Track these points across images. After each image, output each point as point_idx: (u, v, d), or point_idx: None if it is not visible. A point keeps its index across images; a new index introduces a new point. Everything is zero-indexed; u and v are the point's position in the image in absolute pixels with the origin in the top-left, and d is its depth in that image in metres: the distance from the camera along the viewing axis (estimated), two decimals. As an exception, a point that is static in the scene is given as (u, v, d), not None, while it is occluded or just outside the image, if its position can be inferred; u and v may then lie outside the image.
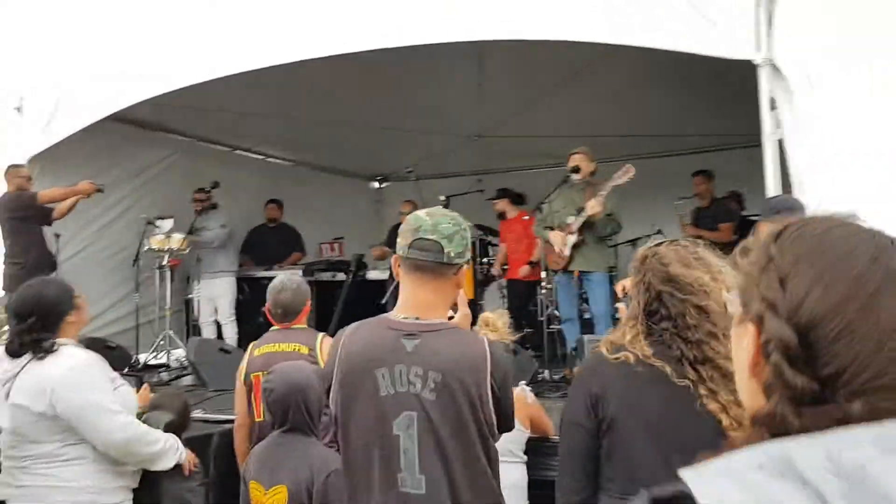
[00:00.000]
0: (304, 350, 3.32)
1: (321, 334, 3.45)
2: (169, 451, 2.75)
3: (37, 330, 2.65)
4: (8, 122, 6.37)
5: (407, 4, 5.06)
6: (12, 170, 6.12)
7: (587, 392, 1.91)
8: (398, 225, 7.46)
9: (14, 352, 2.65)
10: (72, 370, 2.61)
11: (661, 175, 8.25)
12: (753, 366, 0.81)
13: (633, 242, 7.91)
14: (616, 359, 1.88)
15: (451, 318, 2.09)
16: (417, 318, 1.95)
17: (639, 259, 1.98)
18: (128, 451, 2.65)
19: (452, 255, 1.97)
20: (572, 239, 5.65)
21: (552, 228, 5.83)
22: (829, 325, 0.76)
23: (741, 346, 0.84)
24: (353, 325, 2.06)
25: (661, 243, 1.98)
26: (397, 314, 1.99)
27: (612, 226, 5.70)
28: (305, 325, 3.53)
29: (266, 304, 3.49)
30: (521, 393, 3.47)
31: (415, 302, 1.98)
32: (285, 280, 3.50)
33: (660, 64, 4.64)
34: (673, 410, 1.80)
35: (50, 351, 2.63)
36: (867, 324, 0.75)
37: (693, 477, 0.70)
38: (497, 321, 3.58)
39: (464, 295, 2.19)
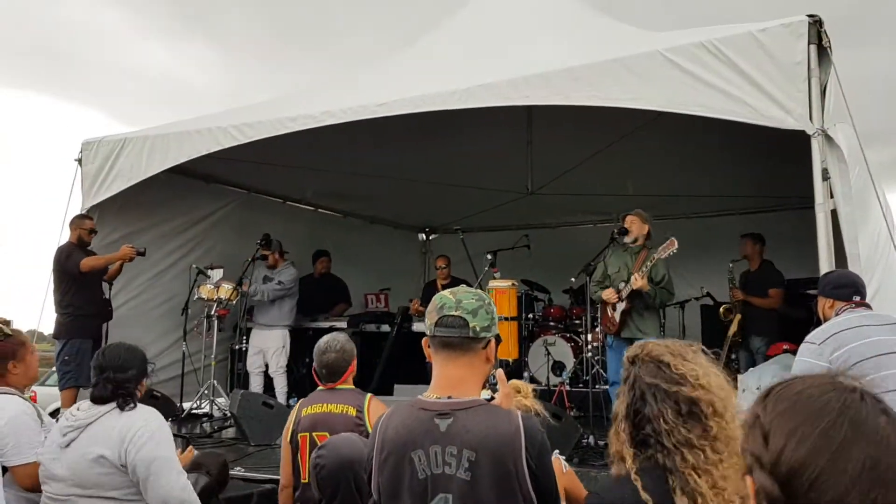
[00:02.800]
0: (353, 412, 3.32)
1: (368, 395, 3.45)
2: None
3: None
4: (69, 173, 6.61)
5: (464, 69, 5.18)
6: (77, 220, 6.35)
7: None
8: (433, 281, 7.50)
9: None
10: (148, 422, 2.67)
11: (711, 236, 8.16)
12: None
13: (682, 305, 7.78)
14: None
15: (491, 398, 2.07)
16: (450, 397, 1.95)
17: (628, 357, 1.91)
18: None
19: (478, 329, 1.98)
20: (621, 306, 5.63)
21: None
22: (804, 474, 0.87)
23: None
24: (389, 410, 2.07)
25: (648, 343, 1.91)
26: (430, 395, 1.99)
27: (662, 296, 5.64)
28: (352, 385, 3.53)
29: (313, 365, 3.52)
30: (557, 461, 3.39)
31: (446, 381, 1.99)
32: (330, 341, 3.51)
33: (712, 127, 4.62)
34: None
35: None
36: (836, 472, 0.85)
37: None
38: (527, 388, 3.54)
39: (502, 374, 2.17)
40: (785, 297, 6.64)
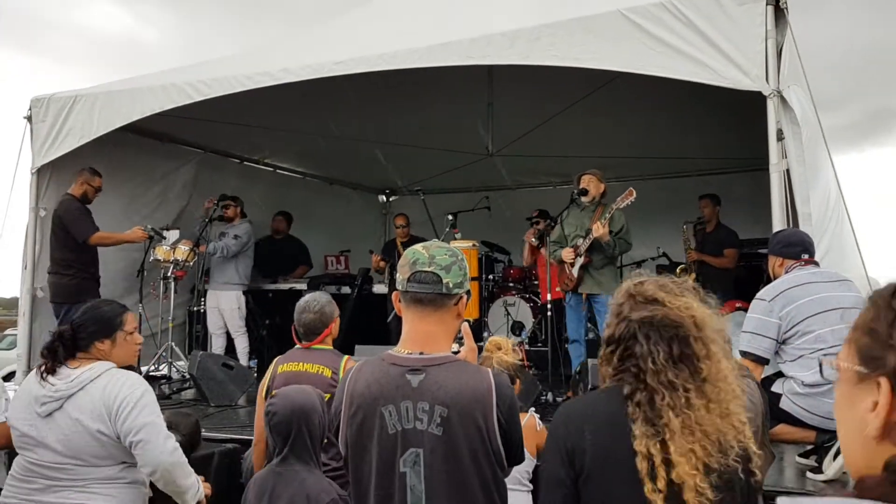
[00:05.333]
0: (328, 372, 3.34)
1: (345, 357, 3.46)
2: (195, 487, 2.75)
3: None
4: (19, 131, 6.42)
5: (423, 29, 5.11)
6: (86, 175, 6.18)
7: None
8: (393, 240, 7.52)
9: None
10: (133, 389, 2.65)
11: (667, 197, 8.28)
12: (885, 427, 0.77)
13: (639, 264, 7.90)
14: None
15: (457, 352, 2.09)
16: (422, 353, 1.96)
17: (623, 293, 1.85)
18: (170, 478, 2.65)
19: (451, 285, 1.99)
20: (580, 261, 5.72)
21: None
22: None
23: (858, 407, 0.80)
24: (359, 363, 2.08)
25: (644, 280, 1.86)
26: (401, 349, 2.00)
27: (621, 245, 5.75)
28: (330, 346, 3.54)
29: (293, 323, 3.53)
30: (531, 420, 3.46)
31: (417, 335, 2.00)
32: (310, 300, 3.53)
33: (669, 88, 4.67)
34: None
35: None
36: None
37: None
38: (507, 343, 3.59)
39: (468, 328, 2.19)
40: (739, 257, 6.80)
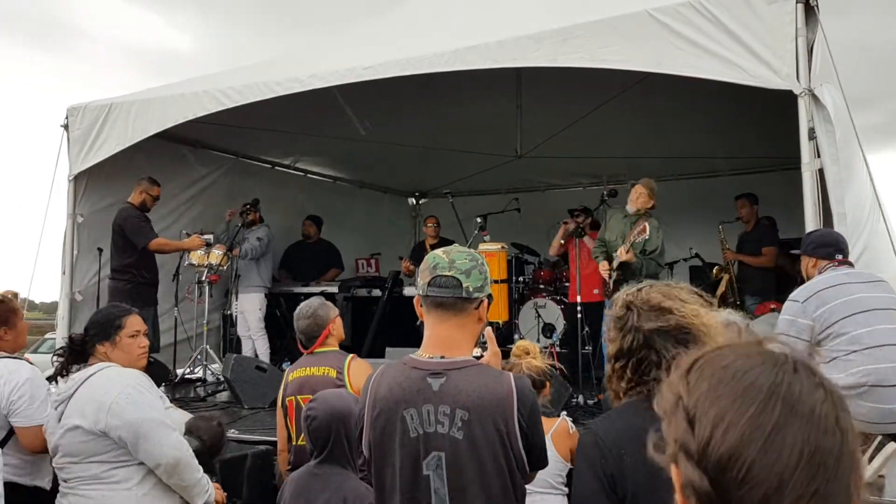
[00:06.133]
0: (333, 373, 3.40)
1: (349, 356, 3.52)
2: (202, 484, 2.77)
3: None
4: (55, 139, 6.56)
5: (451, 33, 5.13)
6: (145, 184, 6.37)
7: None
8: (423, 242, 7.58)
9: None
10: (126, 387, 2.66)
11: (698, 197, 8.20)
12: None
13: (671, 266, 7.84)
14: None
15: (480, 356, 2.10)
16: (442, 357, 1.96)
17: (622, 304, 1.80)
18: (174, 472, 2.67)
19: (471, 289, 1.99)
20: (613, 276, 5.84)
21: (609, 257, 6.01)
22: (734, 468, 0.75)
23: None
24: (381, 367, 2.09)
25: (643, 287, 1.82)
26: (422, 354, 2.00)
27: (649, 266, 5.78)
28: (335, 347, 3.60)
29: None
30: (564, 424, 3.46)
31: (438, 340, 2.00)
32: (303, 307, 3.60)
33: (699, 88, 4.64)
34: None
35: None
36: (768, 464, 0.73)
37: None
38: (535, 348, 3.59)
39: (491, 333, 2.20)
40: (780, 256, 6.69)
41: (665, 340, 1.69)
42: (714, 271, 7.01)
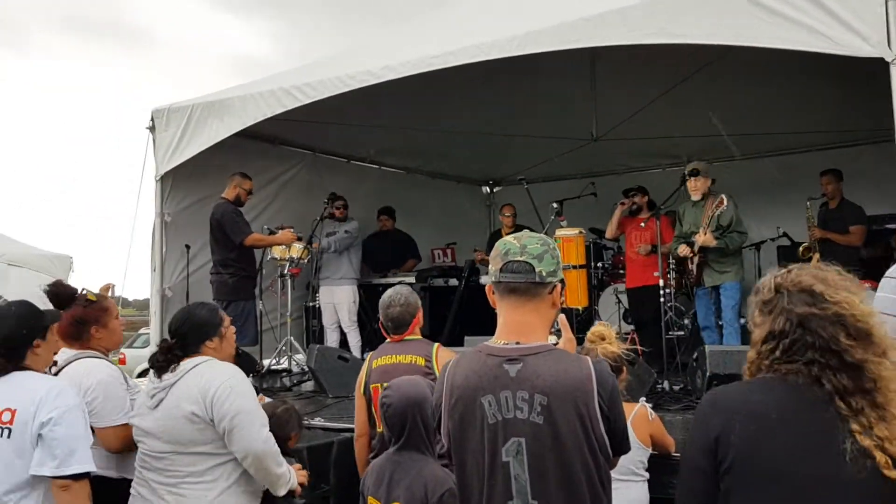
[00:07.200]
0: (421, 361, 3.43)
1: (436, 345, 3.54)
2: (285, 476, 2.85)
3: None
4: (141, 141, 6.80)
5: (520, 16, 5.06)
6: (238, 179, 6.59)
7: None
8: (498, 231, 7.62)
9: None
10: (229, 377, 2.76)
11: (785, 174, 7.90)
12: None
13: (758, 247, 7.59)
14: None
15: (555, 344, 2.07)
16: (518, 343, 1.94)
17: (771, 287, 1.75)
18: (260, 465, 2.75)
19: (544, 273, 1.96)
20: (695, 259, 5.93)
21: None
22: None
23: None
24: (456, 356, 2.09)
25: (792, 269, 1.77)
26: (497, 341, 1.99)
27: (732, 240, 5.86)
28: (419, 336, 3.62)
29: (379, 319, 3.61)
30: (643, 410, 3.40)
31: (512, 326, 1.98)
32: (393, 295, 3.60)
33: (782, 60, 4.44)
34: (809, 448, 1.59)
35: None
36: None
37: None
38: (611, 333, 3.51)
39: (565, 320, 2.17)
40: (866, 235, 6.41)
41: (820, 322, 1.64)
42: (800, 250, 6.74)
